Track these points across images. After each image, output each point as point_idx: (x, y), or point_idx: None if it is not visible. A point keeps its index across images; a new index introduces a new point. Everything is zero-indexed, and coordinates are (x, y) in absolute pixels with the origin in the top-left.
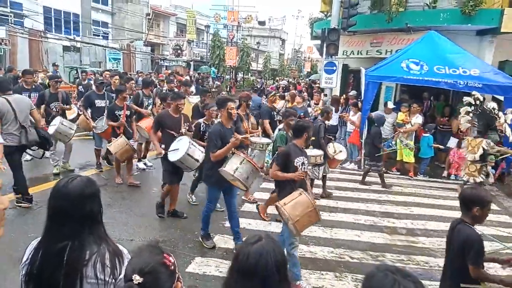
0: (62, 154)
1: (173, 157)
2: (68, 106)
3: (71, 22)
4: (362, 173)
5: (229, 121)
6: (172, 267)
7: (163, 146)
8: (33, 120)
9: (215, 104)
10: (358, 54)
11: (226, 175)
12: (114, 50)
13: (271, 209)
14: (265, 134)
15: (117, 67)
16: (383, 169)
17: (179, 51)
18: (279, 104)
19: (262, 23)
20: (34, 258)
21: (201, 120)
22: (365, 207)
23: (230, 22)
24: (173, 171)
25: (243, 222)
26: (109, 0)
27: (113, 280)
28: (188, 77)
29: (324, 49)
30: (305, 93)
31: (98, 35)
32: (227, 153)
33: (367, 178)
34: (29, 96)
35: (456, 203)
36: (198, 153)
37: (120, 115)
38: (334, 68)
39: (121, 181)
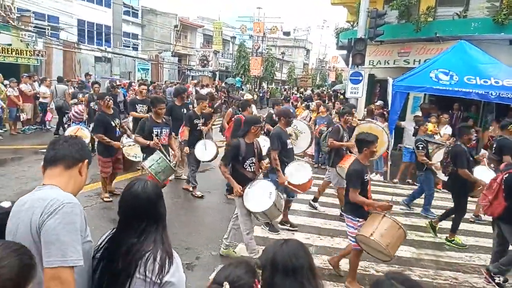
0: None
1: None
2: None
3: (103, 34)
4: (387, 184)
5: None
6: None
7: None
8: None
9: None
10: (385, 64)
11: None
12: (143, 60)
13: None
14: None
15: (145, 77)
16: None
17: (205, 62)
18: (303, 114)
19: (287, 33)
20: (104, 249)
21: None
22: None
23: (255, 33)
24: None
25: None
26: (139, 13)
27: (159, 281)
28: (211, 88)
29: (350, 59)
30: (330, 103)
31: (128, 46)
32: None
33: (393, 190)
34: (160, 133)
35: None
36: None
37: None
38: (360, 78)
39: None
